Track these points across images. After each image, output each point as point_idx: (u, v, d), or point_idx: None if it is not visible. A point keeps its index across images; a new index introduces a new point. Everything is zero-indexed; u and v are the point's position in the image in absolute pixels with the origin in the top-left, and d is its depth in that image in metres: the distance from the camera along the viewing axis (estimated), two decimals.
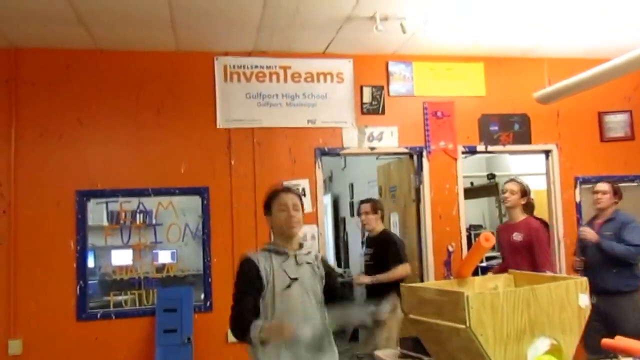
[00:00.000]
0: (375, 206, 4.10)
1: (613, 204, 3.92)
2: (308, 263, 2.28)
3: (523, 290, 1.92)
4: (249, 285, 2.15)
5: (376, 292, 3.54)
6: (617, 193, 3.95)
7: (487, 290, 2.31)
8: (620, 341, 2.31)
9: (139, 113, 4.05)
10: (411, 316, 2.12)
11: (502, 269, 3.65)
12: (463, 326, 1.81)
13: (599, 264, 3.76)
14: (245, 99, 4.17)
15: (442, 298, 1.95)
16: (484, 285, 2.39)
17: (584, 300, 2.00)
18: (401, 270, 3.85)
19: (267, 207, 2.28)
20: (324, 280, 2.30)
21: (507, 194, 3.85)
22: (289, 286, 2.16)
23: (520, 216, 3.88)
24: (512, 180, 3.96)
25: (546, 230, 4.01)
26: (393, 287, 3.41)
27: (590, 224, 4.07)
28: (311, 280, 2.25)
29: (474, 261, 2.37)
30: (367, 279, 3.95)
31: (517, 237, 3.78)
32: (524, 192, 3.85)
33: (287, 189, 2.31)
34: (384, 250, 3.95)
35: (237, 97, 4.16)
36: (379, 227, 4.10)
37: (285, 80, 4.24)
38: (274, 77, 4.23)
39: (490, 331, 1.82)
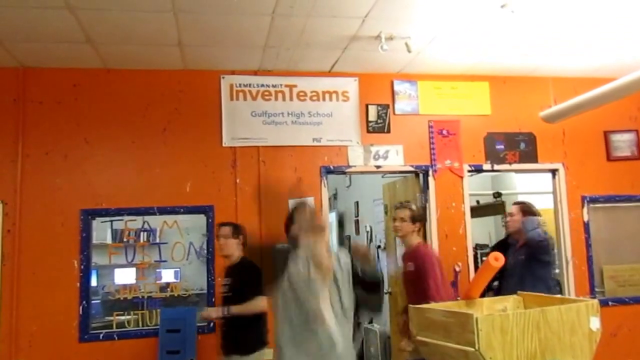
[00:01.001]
0: (237, 230, 3.51)
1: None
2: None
3: (533, 313, 1.88)
4: None
5: (234, 326, 3.30)
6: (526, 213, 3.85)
7: (495, 311, 2.28)
8: None
9: (145, 131, 4.06)
10: (419, 338, 2.08)
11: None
12: (472, 349, 1.78)
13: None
14: (251, 118, 4.18)
15: (450, 320, 1.92)
16: (493, 306, 2.36)
17: (595, 323, 1.96)
18: (256, 303, 3.23)
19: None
20: None
21: (396, 223, 3.47)
22: None
23: (415, 243, 3.50)
24: (400, 206, 3.52)
25: (437, 257, 3.55)
26: (253, 322, 3.25)
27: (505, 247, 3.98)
28: None
29: (483, 282, 2.33)
30: (214, 313, 3.46)
31: (410, 267, 3.42)
32: (414, 217, 3.44)
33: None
34: (241, 281, 3.37)
35: (242, 116, 4.17)
36: (237, 253, 3.48)
37: (291, 98, 4.26)
38: (280, 95, 4.25)
39: (500, 354, 1.78)
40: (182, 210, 4.04)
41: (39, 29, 3.37)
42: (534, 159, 4.59)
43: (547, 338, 1.86)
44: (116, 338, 3.84)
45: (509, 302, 2.43)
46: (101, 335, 3.84)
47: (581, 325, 1.93)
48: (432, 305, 2.22)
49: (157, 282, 4.27)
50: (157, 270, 4.47)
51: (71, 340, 3.75)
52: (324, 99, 4.30)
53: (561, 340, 1.89)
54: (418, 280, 3.28)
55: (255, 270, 3.27)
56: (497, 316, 1.87)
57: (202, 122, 4.13)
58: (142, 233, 4.10)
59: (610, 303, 4.49)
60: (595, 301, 2.02)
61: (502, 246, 4.15)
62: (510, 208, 4.12)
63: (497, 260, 2.18)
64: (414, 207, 3.50)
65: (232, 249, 3.48)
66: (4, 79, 3.92)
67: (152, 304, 4.02)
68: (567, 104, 4.15)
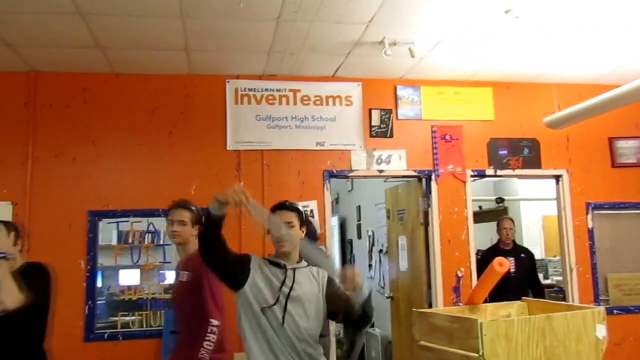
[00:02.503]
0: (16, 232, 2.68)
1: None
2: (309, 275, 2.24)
3: (538, 319, 1.88)
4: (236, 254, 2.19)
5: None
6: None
7: (499, 317, 2.28)
8: None
9: (151, 135, 4.10)
10: (421, 343, 2.09)
11: None
12: (476, 354, 1.78)
13: None
14: (255, 121, 4.21)
15: (454, 325, 1.92)
16: (496, 312, 2.36)
17: (602, 331, 1.95)
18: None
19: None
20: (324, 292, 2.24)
21: (175, 227, 2.76)
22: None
23: (195, 250, 2.54)
24: (177, 206, 2.84)
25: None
26: None
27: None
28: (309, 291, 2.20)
29: (486, 287, 2.34)
30: None
31: (185, 277, 2.72)
32: (195, 220, 2.80)
33: (282, 206, 2.26)
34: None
35: (247, 120, 4.20)
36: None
37: (295, 103, 4.28)
38: (284, 100, 4.28)
39: None
40: None
41: (50, 34, 3.41)
42: (538, 165, 4.60)
43: (553, 346, 1.84)
44: (120, 338, 3.87)
45: (512, 309, 2.43)
46: (106, 335, 3.86)
47: (587, 333, 1.91)
48: (436, 310, 2.22)
49: (161, 283, 4.29)
50: (161, 272, 4.48)
51: (76, 339, 3.78)
52: (327, 104, 4.32)
53: (567, 348, 1.87)
54: (193, 293, 2.61)
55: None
56: (502, 322, 1.86)
57: (207, 126, 4.16)
58: (147, 235, 4.12)
59: (615, 312, 4.47)
60: (602, 308, 2.00)
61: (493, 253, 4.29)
62: (505, 222, 4.76)
63: (501, 265, 2.18)
64: (193, 207, 2.85)
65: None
66: (15, 83, 3.98)
67: (156, 305, 4.04)
68: (571, 110, 4.16)
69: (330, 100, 4.34)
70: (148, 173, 4.07)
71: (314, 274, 2.25)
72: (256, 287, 2.16)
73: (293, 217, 2.23)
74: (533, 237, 6.66)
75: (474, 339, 1.78)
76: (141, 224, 4.09)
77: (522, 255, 4.72)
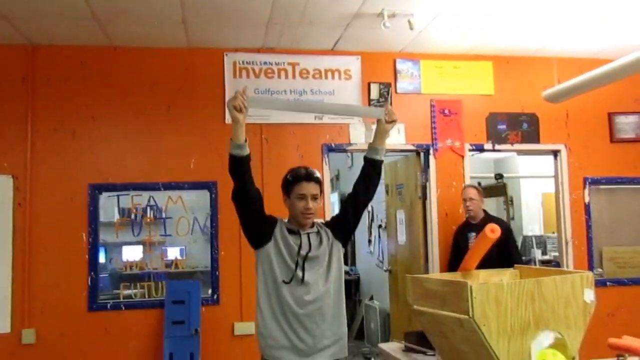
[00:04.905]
0: None
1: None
2: (317, 234, 2.28)
3: (527, 283, 1.90)
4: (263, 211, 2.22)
5: None
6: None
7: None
8: (627, 340, 2.29)
9: (150, 108, 4.11)
10: (415, 307, 2.13)
11: None
12: (466, 317, 1.81)
13: None
14: (254, 95, 4.22)
15: (445, 289, 1.96)
16: (489, 278, 2.39)
17: (590, 296, 1.98)
18: None
19: (287, 190, 2.27)
20: (338, 240, 2.30)
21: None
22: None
23: None
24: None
25: None
26: None
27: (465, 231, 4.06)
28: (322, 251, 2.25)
29: (479, 253, 2.38)
30: None
31: None
32: None
33: (309, 177, 2.25)
34: None
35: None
36: None
37: (294, 76, 4.28)
38: (283, 73, 4.28)
39: (494, 323, 1.81)
40: (186, 186, 4.11)
41: (48, 6, 3.40)
42: (536, 140, 4.60)
43: (542, 309, 1.87)
44: (123, 308, 3.95)
45: (505, 276, 2.47)
46: (109, 305, 3.95)
47: (575, 297, 1.94)
48: (430, 275, 2.27)
49: (164, 259, 4.37)
50: (163, 247, 4.55)
51: (81, 309, 3.87)
52: (326, 77, 4.32)
53: (555, 311, 1.90)
54: None
55: None
56: (492, 285, 1.90)
57: (206, 99, 4.17)
58: (147, 208, 4.17)
59: (608, 284, 4.55)
60: (590, 273, 2.02)
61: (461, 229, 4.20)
62: (468, 191, 4.15)
63: (492, 232, 2.22)
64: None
65: None
66: (13, 56, 3.98)
67: (158, 277, 4.11)
68: (569, 84, 4.14)
69: (329, 74, 4.34)
70: (147, 147, 4.10)
71: (320, 228, 2.30)
72: (278, 250, 2.21)
73: (317, 190, 2.25)
74: (532, 214, 6.71)
75: (464, 302, 1.81)
76: (141, 197, 4.13)
77: None
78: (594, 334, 2.18)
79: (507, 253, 3.85)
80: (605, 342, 2.22)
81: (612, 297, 4.45)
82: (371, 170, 2.35)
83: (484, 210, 4.21)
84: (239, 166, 2.16)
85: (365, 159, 2.37)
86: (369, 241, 6.46)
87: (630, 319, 4.44)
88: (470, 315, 1.80)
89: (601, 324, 2.82)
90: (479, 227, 3.84)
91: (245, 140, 2.16)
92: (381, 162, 2.38)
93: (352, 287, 6.91)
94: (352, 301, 6.71)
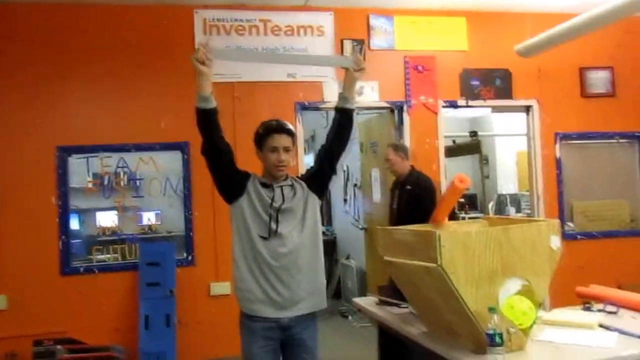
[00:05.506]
0: None
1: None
2: (291, 187, 2.26)
3: (495, 230, 1.93)
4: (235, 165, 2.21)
5: None
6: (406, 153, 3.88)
7: None
8: (593, 289, 2.37)
9: (119, 67, 3.99)
10: (385, 258, 2.15)
11: None
12: (434, 265, 1.83)
13: None
14: (218, 47, 4.10)
15: (415, 238, 1.97)
16: (459, 229, 2.42)
17: (556, 242, 2.01)
18: None
19: (259, 144, 2.24)
20: (313, 192, 2.28)
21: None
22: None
23: None
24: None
25: None
26: None
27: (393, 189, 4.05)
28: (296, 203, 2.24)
29: (449, 205, 2.39)
30: None
31: None
32: None
33: (281, 128, 2.22)
34: None
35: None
36: None
37: (265, 33, 4.18)
38: (254, 30, 4.17)
39: (462, 270, 1.83)
40: (157, 147, 4.04)
41: None
42: (509, 96, 4.62)
43: (509, 256, 1.90)
44: (97, 271, 3.92)
45: (474, 227, 2.50)
46: (82, 269, 3.92)
47: (542, 244, 1.97)
48: (401, 227, 2.28)
49: (138, 224, 4.32)
50: (139, 213, 4.50)
51: (53, 273, 3.82)
52: (298, 34, 4.23)
53: (522, 258, 1.93)
54: None
55: None
56: (460, 233, 1.92)
57: (176, 58, 4.04)
58: (119, 170, 4.09)
59: (579, 237, 4.68)
60: (556, 220, 2.05)
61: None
62: (385, 152, 3.99)
63: (461, 182, 2.22)
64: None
65: None
66: None
67: (131, 239, 4.08)
68: (542, 37, 4.14)
69: (302, 30, 4.24)
70: (117, 108, 3.99)
71: (295, 181, 2.28)
72: (251, 203, 2.19)
73: (290, 142, 2.22)
74: (507, 173, 6.81)
75: (432, 250, 1.82)
76: (111, 159, 4.05)
77: (408, 187, 3.94)
78: (564, 285, 2.24)
79: (422, 209, 3.50)
80: (574, 292, 2.29)
81: (583, 250, 4.58)
82: (344, 119, 2.33)
83: (412, 167, 3.98)
84: (206, 119, 2.13)
85: (337, 108, 2.35)
86: (345, 200, 6.49)
87: (598, 271, 4.57)
88: (439, 264, 1.82)
89: (571, 276, 2.90)
90: (401, 185, 3.92)
91: (212, 93, 2.10)
92: (352, 110, 2.35)
93: (329, 247, 6.98)
94: (329, 261, 6.79)
